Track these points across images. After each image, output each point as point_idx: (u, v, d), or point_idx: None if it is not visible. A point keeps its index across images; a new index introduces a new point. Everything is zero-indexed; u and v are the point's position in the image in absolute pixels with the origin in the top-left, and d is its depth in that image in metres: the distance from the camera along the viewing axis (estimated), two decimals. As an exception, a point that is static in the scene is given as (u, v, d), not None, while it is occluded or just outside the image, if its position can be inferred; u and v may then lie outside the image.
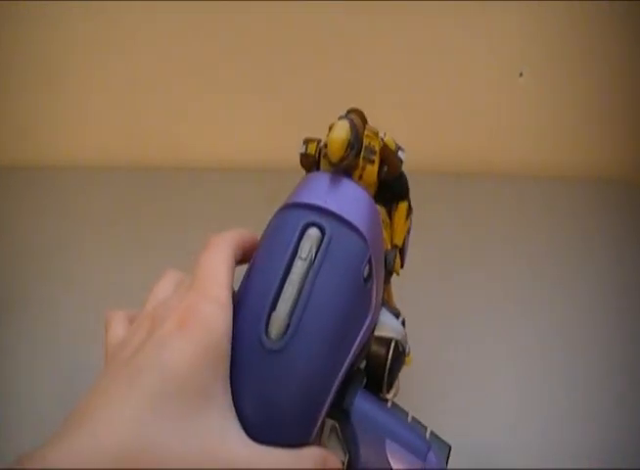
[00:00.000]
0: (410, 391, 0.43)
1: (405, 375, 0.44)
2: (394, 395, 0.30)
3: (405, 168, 0.34)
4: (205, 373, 0.20)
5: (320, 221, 0.25)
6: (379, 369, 0.29)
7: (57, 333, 0.49)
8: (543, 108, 0.66)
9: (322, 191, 0.26)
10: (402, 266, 0.36)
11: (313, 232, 0.25)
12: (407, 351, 0.31)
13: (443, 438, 0.27)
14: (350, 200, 0.26)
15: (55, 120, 0.68)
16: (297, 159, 0.34)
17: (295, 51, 0.62)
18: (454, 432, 0.39)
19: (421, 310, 0.50)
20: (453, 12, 0.59)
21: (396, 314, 0.31)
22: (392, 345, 0.29)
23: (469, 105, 0.65)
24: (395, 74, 0.63)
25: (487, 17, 0.60)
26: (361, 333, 0.25)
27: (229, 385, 0.22)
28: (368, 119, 0.34)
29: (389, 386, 0.30)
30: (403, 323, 0.31)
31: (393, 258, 0.33)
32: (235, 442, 0.21)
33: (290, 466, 0.21)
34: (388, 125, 0.62)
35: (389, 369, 0.29)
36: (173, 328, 0.21)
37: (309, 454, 0.22)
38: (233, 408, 0.21)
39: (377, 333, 0.29)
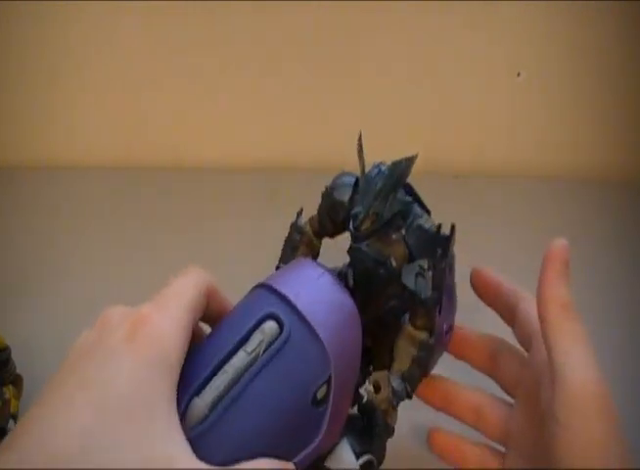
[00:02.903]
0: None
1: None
2: None
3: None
4: (148, 390, 0.20)
5: (282, 316, 0.22)
6: None
7: (56, 333, 0.48)
8: (541, 108, 0.66)
9: (301, 281, 0.23)
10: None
11: (269, 326, 0.22)
12: None
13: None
14: (329, 305, 0.22)
15: (54, 121, 0.68)
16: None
17: (294, 51, 0.62)
18: (456, 430, 0.40)
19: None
20: (451, 12, 0.59)
21: (360, 453, 0.25)
22: None
23: (467, 105, 0.66)
24: (394, 75, 0.63)
25: (485, 16, 0.60)
26: (294, 461, 0.21)
27: (175, 400, 0.21)
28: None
29: None
30: (369, 466, 0.25)
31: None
32: (178, 454, 0.20)
33: None
34: (388, 126, 0.63)
35: None
36: (122, 339, 0.21)
37: (261, 464, 0.21)
38: (178, 423, 0.21)
39: (328, 464, 0.24)
